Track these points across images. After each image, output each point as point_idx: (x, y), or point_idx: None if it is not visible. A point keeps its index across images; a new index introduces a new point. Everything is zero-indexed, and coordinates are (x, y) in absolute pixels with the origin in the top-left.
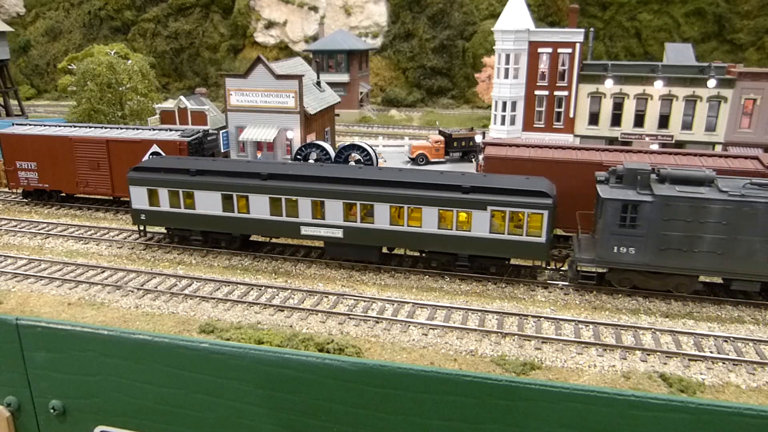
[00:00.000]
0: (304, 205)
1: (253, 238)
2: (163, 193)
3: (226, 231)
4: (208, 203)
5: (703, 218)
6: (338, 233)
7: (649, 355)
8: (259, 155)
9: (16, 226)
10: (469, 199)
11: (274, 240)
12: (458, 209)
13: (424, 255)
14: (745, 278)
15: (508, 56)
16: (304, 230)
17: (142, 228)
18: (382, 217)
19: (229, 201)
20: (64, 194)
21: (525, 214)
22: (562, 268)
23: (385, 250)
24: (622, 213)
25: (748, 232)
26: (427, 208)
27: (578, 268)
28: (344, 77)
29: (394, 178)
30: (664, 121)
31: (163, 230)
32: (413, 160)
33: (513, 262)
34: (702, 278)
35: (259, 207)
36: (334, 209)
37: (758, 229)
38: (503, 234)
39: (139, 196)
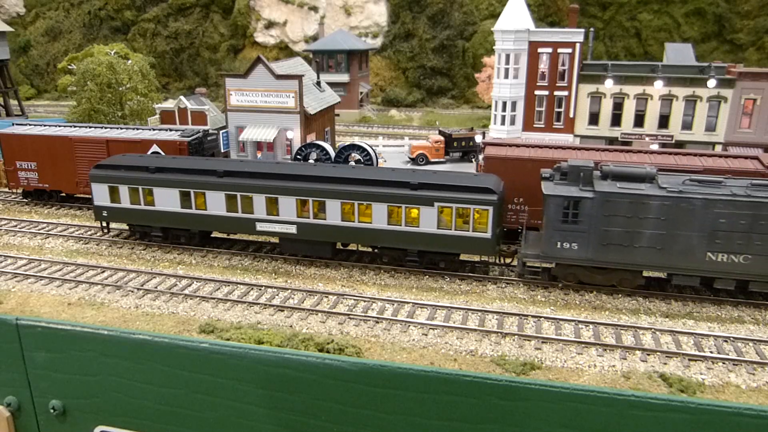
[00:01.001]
0: (259, 201)
1: (214, 234)
2: (124, 190)
3: (185, 227)
4: (167, 200)
5: (643, 214)
6: (292, 229)
7: (649, 355)
8: (259, 155)
9: (16, 226)
10: (417, 195)
11: (232, 236)
12: (407, 205)
13: (376, 251)
14: (685, 273)
15: (508, 56)
16: (260, 226)
17: (104, 224)
18: (333, 213)
19: (186, 198)
20: (64, 194)
21: (471, 210)
22: (512, 264)
23: (339, 245)
24: (565, 209)
25: (686, 227)
26: (376, 205)
27: (525, 264)
28: (344, 77)
29: (345, 175)
30: (664, 121)
31: (125, 227)
32: (413, 160)
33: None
34: (646, 273)
35: (216, 204)
36: (288, 206)
37: (696, 225)
38: (450, 230)
39: (100, 193)
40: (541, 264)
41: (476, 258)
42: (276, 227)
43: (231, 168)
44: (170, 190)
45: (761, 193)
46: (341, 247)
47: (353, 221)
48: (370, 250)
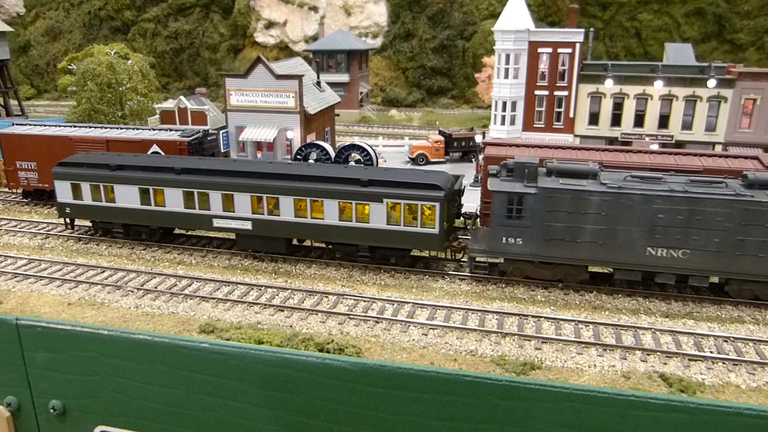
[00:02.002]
0: (215, 198)
1: (176, 230)
2: (86, 188)
3: (145, 224)
4: (128, 197)
5: (584, 209)
6: (247, 225)
7: (649, 355)
8: (259, 155)
9: (16, 226)
10: (366, 192)
11: (191, 232)
12: (357, 202)
13: (330, 246)
14: (627, 268)
15: (508, 56)
16: (216, 222)
17: (68, 221)
18: (287, 209)
19: (146, 194)
20: None
21: (419, 207)
22: (463, 259)
23: (295, 242)
24: (509, 205)
25: (626, 222)
26: (328, 201)
27: (474, 259)
28: (344, 77)
29: (297, 172)
30: (664, 121)
31: (89, 223)
32: (413, 160)
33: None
34: (592, 268)
35: (174, 200)
36: (243, 202)
37: (635, 220)
38: (399, 225)
39: (63, 190)
40: (488, 259)
41: (437, 254)
42: (232, 223)
43: (188, 165)
44: (130, 187)
45: (698, 189)
46: (297, 243)
47: (306, 217)
48: (323, 245)
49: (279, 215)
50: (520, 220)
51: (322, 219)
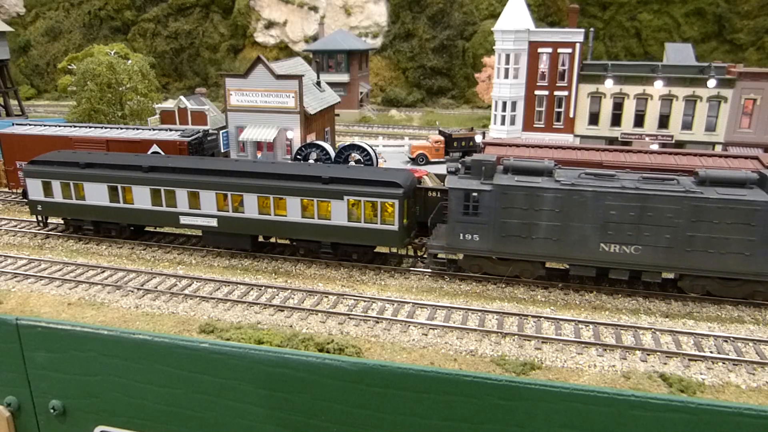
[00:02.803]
0: (182, 195)
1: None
2: (56, 185)
3: (115, 221)
4: (97, 194)
5: (538, 206)
6: (213, 222)
7: (649, 355)
8: (259, 155)
9: (16, 226)
10: (328, 189)
11: (160, 229)
12: (318, 199)
13: (294, 243)
14: (581, 263)
15: (508, 56)
16: (183, 219)
17: (41, 218)
18: (251, 206)
19: (114, 192)
20: None
21: (378, 204)
22: (424, 256)
23: (262, 239)
24: (465, 202)
25: (579, 219)
26: (290, 198)
27: (434, 255)
28: (344, 77)
29: (261, 170)
30: (664, 121)
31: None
32: (413, 160)
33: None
34: (549, 264)
35: (142, 198)
36: (208, 200)
37: (588, 217)
38: (360, 222)
39: (35, 188)
40: (447, 256)
41: (398, 250)
42: (198, 220)
43: (155, 164)
44: (99, 185)
45: (649, 185)
46: (263, 240)
47: (270, 215)
48: (288, 242)
49: (243, 212)
50: (476, 216)
51: (286, 216)
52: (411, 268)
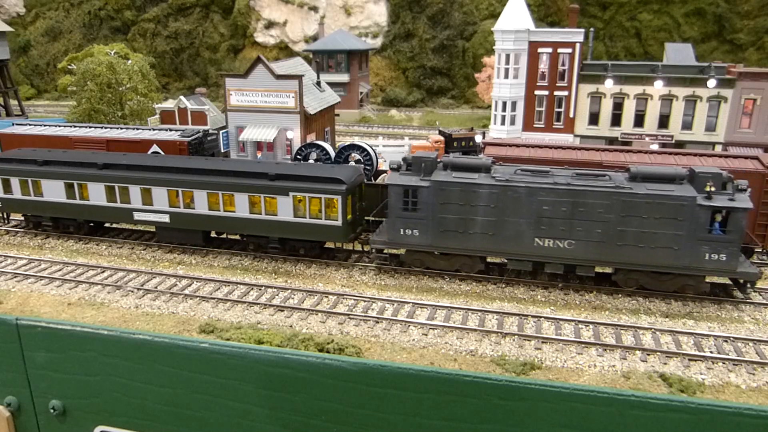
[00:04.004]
0: (135, 192)
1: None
2: (15, 182)
3: (72, 217)
4: (54, 191)
5: (474, 202)
6: (165, 218)
7: (649, 355)
8: (259, 155)
9: (16, 226)
10: (273, 185)
11: (116, 225)
12: (265, 195)
13: (244, 239)
14: (517, 258)
15: (508, 56)
16: (137, 216)
17: (2, 215)
18: (201, 203)
19: (71, 189)
20: None
21: (322, 199)
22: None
23: (214, 234)
24: (404, 197)
25: (514, 214)
26: (238, 195)
27: (378, 250)
28: (344, 77)
29: (210, 167)
30: (664, 121)
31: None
32: None
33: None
34: (490, 259)
35: (97, 194)
36: (161, 196)
37: (522, 212)
38: (305, 218)
39: None
40: (389, 250)
41: (342, 245)
42: (151, 216)
43: (109, 161)
44: (56, 182)
45: (580, 181)
46: (215, 236)
47: (219, 210)
48: (239, 237)
49: (194, 208)
50: (415, 212)
51: (234, 212)
52: (356, 263)
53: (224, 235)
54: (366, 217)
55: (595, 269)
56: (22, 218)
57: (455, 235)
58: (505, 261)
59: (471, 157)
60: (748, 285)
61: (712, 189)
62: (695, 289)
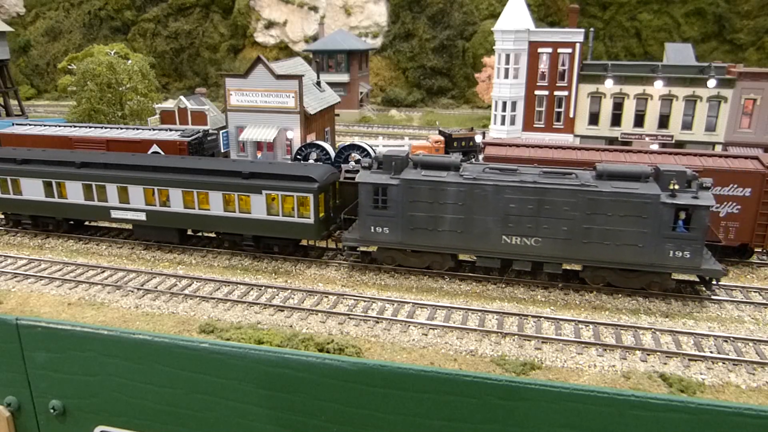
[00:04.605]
0: (112, 190)
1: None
2: None
3: (50, 215)
4: (33, 189)
5: (443, 199)
6: (142, 216)
7: (649, 355)
8: (259, 155)
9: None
10: (247, 184)
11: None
12: (239, 193)
13: (219, 236)
14: (486, 255)
15: (508, 56)
16: (114, 213)
17: None
18: (176, 201)
19: (49, 187)
20: None
21: (295, 197)
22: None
23: (190, 232)
24: (374, 195)
25: (481, 212)
26: (213, 193)
27: (349, 248)
28: (344, 77)
29: (186, 166)
30: (664, 121)
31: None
32: None
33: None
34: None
35: (75, 192)
36: (137, 194)
37: (490, 209)
38: (278, 216)
39: None
40: (360, 248)
41: (315, 243)
42: (128, 214)
43: (87, 159)
44: (35, 180)
45: (546, 179)
46: (192, 233)
47: (194, 208)
48: (214, 235)
49: (170, 206)
50: (385, 210)
51: (209, 210)
52: (329, 260)
53: (200, 233)
54: (341, 215)
55: (563, 266)
56: (2, 216)
57: (425, 232)
58: (474, 258)
59: (439, 156)
60: (714, 282)
61: (676, 187)
62: (661, 286)
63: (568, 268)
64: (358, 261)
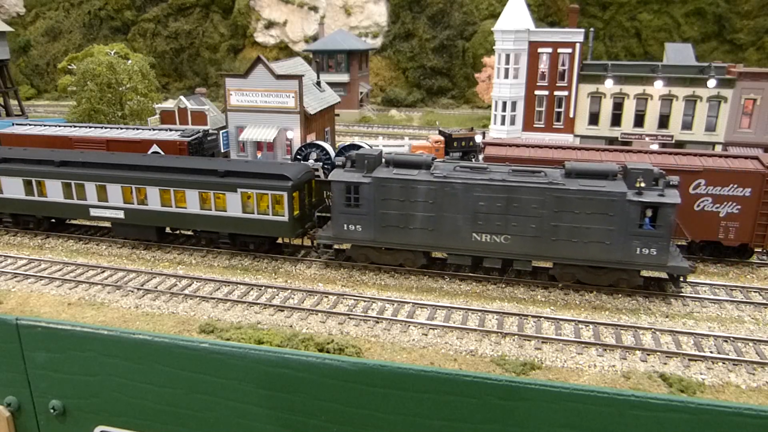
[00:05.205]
0: (90, 189)
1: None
2: None
3: (31, 213)
4: (13, 188)
5: (413, 198)
6: (120, 214)
7: (649, 355)
8: (259, 155)
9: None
10: (223, 182)
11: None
12: (215, 191)
13: (197, 234)
14: (457, 252)
15: (508, 56)
16: (93, 212)
17: None
18: (154, 199)
19: (29, 186)
20: None
21: (269, 195)
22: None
23: (169, 230)
24: (347, 193)
25: (452, 210)
26: (189, 191)
27: (322, 245)
28: (344, 77)
29: (162, 164)
30: (664, 121)
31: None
32: None
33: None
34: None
35: (54, 191)
36: (115, 193)
37: (460, 207)
38: (253, 214)
39: None
40: (334, 245)
41: (291, 240)
42: (107, 212)
43: (66, 158)
44: (15, 179)
45: (515, 177)
46: (170, 231)
47: (172, 206)
48: (191, 233)
49: (148, 205)
50: (357, 208)
51: (186, 208)
52: (304, 258)
53: (178, 231)
54: (315, 213)
55: (533, 263)
56: None
57: (396, 230)
58: (446, 256)
59: (411, 154)
60: (681, 279)
61: (642, 185)
62: (629, 283)
63: (542, 265)
64: (333, 259)
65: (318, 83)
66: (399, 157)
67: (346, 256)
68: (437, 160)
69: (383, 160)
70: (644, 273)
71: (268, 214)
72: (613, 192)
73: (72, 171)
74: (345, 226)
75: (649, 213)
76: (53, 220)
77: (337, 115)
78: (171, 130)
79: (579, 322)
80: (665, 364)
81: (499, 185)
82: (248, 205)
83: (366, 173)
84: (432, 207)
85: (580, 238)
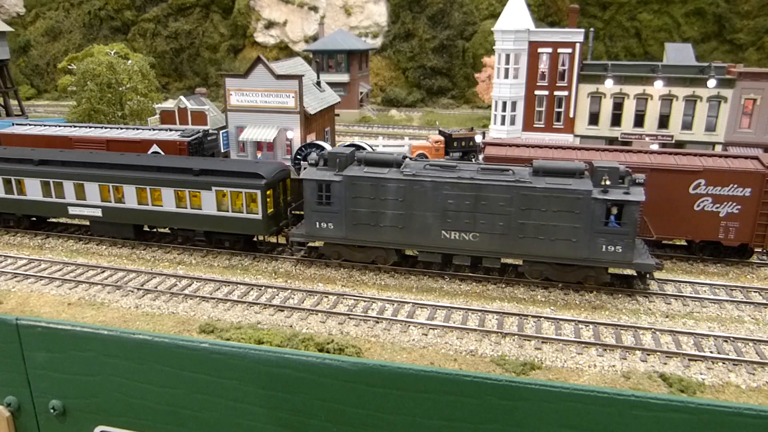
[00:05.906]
0: (69, 187)
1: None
2: None
3: (10, 211)
4: None
5: (383, 196)
6: (98, 212)
7: (649, 355)
8: (259, 155)
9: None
10: (197, 180)
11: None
12: (190, 190)
13: (173, 231)
14: (427, 250)
15: (508, 56)
16: (71, 210)
17: None
18: (131, 197)
19: (9, 184)
20: None
21: (243, 194)
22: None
23: (147, 228)
24: (318, 192)
25: (421, 208)
26: (165, 189)
27: (295, 243)
28: (344, 77)
29: (139, 163)
30: (664, 121)
31: None
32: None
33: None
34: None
35: (34, 189)
36: (93, 191)
37: (429, 205)
38: (228, 212)
39: None
40: (307, 243)
41: (265, 238)
42: (85, 211)
43: (45, 157)
44: None
45: (483, 176)
46: (148, 229)
47: (148, 205)
48: (168, 231)
49: (125, 203)
50: (329, 206)
51: (162, 206)
52: (278, 256)
53: (155, 229)
54: (289, 211)
55: (502, 261)
56: None
57: (367, 228)
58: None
59: (382, 153)
60: (648, 276)
61: (608, 183)
62: (597, 280)
63: (512, 262)
64: (306, 257)
65: (318, 83)
66: (370, 156)
67: (319, 253)
68: (411, 158)
69: (355, 158)
70: (612, 270)
71: (243, 212)
72: (578, 190)
73: (50, 170)
74: (317, 223)
75: (614, 211)
76: (33, 219)
77: (337, 115)
78: (171, 130)
79: (579, 322)
80: (665, 364)
81: (467, 183)
82: (223, 204)
83: (337, 171)
84: (402, 205)
85: (547, 236)
